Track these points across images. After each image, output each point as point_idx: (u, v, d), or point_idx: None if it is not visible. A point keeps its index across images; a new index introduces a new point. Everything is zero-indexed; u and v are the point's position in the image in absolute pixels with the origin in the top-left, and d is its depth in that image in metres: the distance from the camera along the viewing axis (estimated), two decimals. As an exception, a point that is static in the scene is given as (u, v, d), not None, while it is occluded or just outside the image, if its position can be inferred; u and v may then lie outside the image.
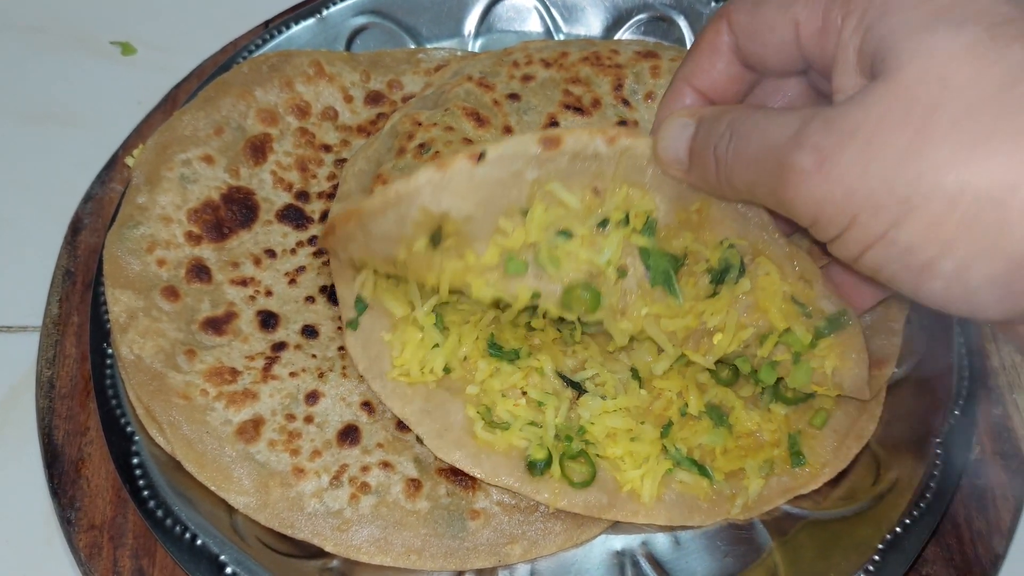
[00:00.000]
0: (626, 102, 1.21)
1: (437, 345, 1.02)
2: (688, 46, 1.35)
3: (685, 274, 0.94)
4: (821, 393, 1.00)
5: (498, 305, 1.01)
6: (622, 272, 0.94)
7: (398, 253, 0.94)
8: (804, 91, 0.90)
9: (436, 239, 0.93)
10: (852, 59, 0.72)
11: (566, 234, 0.92)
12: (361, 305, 1.05)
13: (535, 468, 0.98)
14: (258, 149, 1.20)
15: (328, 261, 1.12)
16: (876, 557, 0.94)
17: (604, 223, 0.92)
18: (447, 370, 1.03)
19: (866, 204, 0.66)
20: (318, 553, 0.96)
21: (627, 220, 0.92)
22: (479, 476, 0.99)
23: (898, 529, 0.95)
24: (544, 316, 1.03)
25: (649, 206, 0.92)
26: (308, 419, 1.02)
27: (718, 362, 1.04)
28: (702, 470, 1.00)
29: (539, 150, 0.89)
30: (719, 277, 0.94)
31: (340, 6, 1.36)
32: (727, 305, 0.94)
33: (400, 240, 0.93)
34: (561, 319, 1.04)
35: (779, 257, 0.94)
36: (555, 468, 0.98)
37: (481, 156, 0.88)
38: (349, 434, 1.02)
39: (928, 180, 0.63)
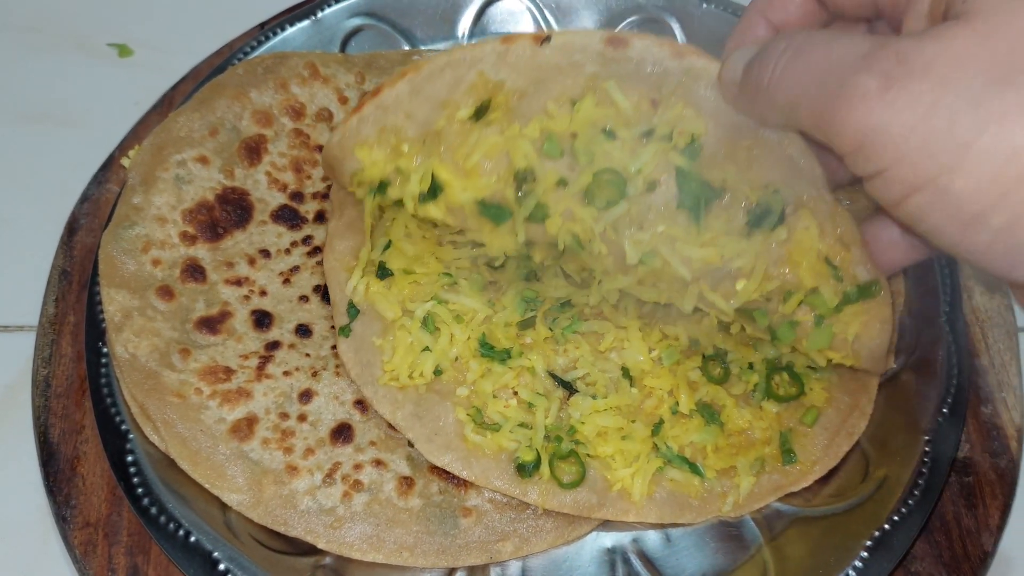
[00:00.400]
0: None
1: (427, 348, 1.03)
2: (681, 47, 1.36)
3: (718, 208, 0.91)
4: (837, 361, 0.98)
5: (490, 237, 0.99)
6: (652, 186, 0.91)
7: (438, 120, 0.95)
8: None
9: (480, 112, 0.94)
10: (925, 8, 0.70)
11: (609, 134, 0.91)
12: (353, 311, 1.06)
13: (524, 470, 0.99)
14: (253, 150, 1.20)
15: (322, 261, 1.13)
16: (864, 553, 0.95)
17: (650, 133, 0.91)
18: (438, 372, 1.03)
19: (923, 143, 0.64)
20: (311, 550, 0.97)
21: (671, 137, 0.90)
22: (469, 478, 0.99)
23: (887, 526, 0.96)
24: (542, 263, 1.03)
25: (698, 129, 0.90)
26: (301, 417, 1.03)
27: (714, 359, 1.05)
28: (693, 468, 1.00)
29: (603, 47, 0.90)
30: (756, 221, 0.91)
31: (335, 8, 1.36)
32: (757, 250, 0.92)
33: (446, 106, 0.95)
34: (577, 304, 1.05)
35: (823, 214, 0.92)
36: (544, 469, 0.99)
37: (546, 39, 0.91)
38: (342, 432, 1.02)
39: (996, 129, 0.62)
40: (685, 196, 0.90)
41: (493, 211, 0.95)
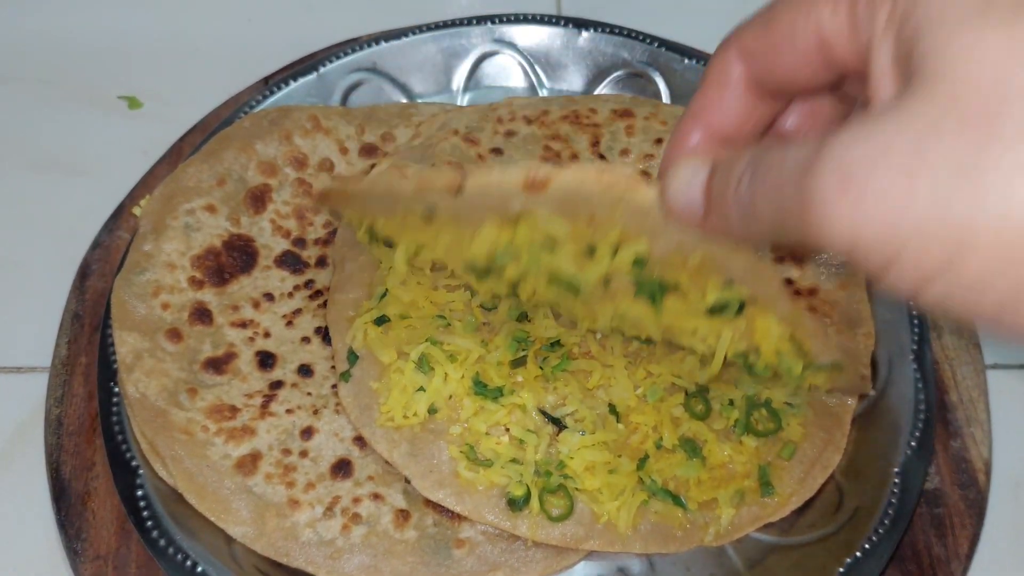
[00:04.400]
0: (602, 157, 1.29)
1: (421, 388, 1.07)
2: (664, 100, 1.43)
3: (674, 297, 0.91)
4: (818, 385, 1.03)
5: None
6: (606, 282, 0.91)
7: (395, 215, 1.01)
8: (840, 112, 0.78)
9: (429, 217, 0.95)
10: (887, 61, 0.61)
11: (552, 249, 0.90)
12: (353, 357, 1.11)
13: (515, 504, 1.03)
14: (258, 199, 1.27)
15: (324, 303, 1.19)
16: (838, 580, 1.00)
17: (592, 251, 0.89)
18: (433, 410, 1.07)
19: (914, 232, 0.55)
20: (312, 580, 1.01)
21: (614, 255, 0.88)
22: (463, 513, 1.03)
23: (859, 554, 1.01)
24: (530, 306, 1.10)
25: (641, 249, 0.86)
26: (303, 453, 1.08)
27: (696, 396, 1.09)
28: (676, 500, 1.04)
29: (521, 192, 0.83)
30: (714, 312, 0.92)
31: (336, 64, 1.43)
32: (719, 329, 0.94)
33: (396, 210, 1.00)
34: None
35: (780, 312, 0.92)
36: (534, 503, 1.03)
37: (459, 189, 0.85)
38: (342, 468, 1.07)
39: (995, 202, 0.52)
40: (641, 292, 0.91)
41: (477, 271, 0.99)
